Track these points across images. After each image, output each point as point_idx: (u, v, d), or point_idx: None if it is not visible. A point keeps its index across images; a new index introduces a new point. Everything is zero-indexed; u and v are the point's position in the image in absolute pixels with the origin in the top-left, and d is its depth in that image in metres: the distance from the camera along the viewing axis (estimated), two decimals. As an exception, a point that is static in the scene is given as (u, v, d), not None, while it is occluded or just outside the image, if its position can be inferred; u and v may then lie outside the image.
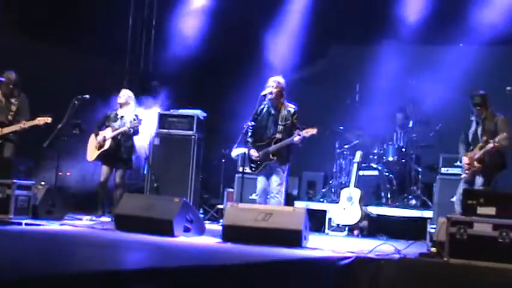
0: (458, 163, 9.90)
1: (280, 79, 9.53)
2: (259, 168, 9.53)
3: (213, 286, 5.61)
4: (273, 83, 9.43)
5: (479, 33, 11.81)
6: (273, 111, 9.51)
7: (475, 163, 9.23)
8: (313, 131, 9.25)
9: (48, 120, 10.26)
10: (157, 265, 5.91)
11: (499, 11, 11.74)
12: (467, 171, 9.36)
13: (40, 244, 7.34)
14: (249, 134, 9.50)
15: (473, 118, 9.53)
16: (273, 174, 9.45)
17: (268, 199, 9.47)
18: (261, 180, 9.59)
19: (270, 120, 9.50)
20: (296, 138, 9.26)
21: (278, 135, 9.41)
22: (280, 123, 9.42)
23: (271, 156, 9.41)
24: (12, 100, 10.48)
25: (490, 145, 9.04)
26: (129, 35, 14.18)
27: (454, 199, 9.73)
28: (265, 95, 9.43)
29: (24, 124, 10.29)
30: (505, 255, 7.34)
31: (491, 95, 10.11)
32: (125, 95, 10.85)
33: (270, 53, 12.69)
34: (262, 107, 9.53)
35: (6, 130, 10.34)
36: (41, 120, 10.25)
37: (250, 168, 9.63)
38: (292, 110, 9.48)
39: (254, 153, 9.49)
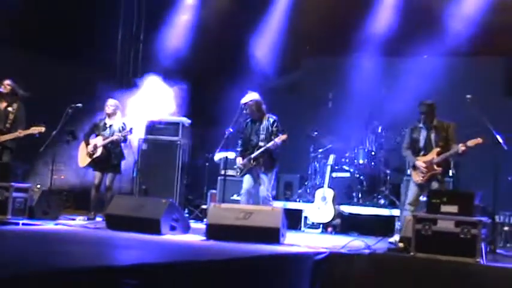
0: (411, 168, 9.44)
1: (255, 95, 9.83)
2: (242, 172, 9.84)
3: (198, 280, 5.63)
4: (250, 102, 9.72)
5: (441, 45, 11.89)
6: (256, 123, 9.83)
7: (435, 166, 9.13)
8: (283, 137, 9.52)
9: (42, 129, 10.23)
10: (145, 261, 5.92)
11: (460, 24, 11.83)
12: (423, 175, 9.15)
13: (36, 242, 7.33)
14: (239, 144, 9.94)
15: (421, 125, 9.33)
16: (260, 184, 9.71)
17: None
18: (246, 180, 9.81)
19: (253, 131, 9.83)
20: (269, 144, 9.56)
21: (261, 143, 9.70)
22: (261, 132, 9.74)
23: (252, 162, 9.67)
24: (10, 109, 10.43)
25: (462, 148, 8.89)
26: (118, 49, 14.17)
27: (420, 198, 9.75)
28: (245, 103, 9.65)
29: (21, 133, 10.26)
30: (466, 250, 7.41)
31: (452, 103, 10.19)
32: (113, 105, 10.81)
33: (250, 64, 12.72)
34: (247, 121, 9.88)
35: (3, 138, 10.30)
36: (35, 130, 10.22)
37: (236, 172, 10.01)
38: (272, 120, 9.77)
39: (239, 160, 9.86)
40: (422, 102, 9.33)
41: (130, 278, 4.78)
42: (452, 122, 9.30)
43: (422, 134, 9.32)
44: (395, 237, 9.04)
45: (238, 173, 9.93)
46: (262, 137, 9.72)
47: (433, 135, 9.26)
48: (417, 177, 9.22)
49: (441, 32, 11.95)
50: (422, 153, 9.29)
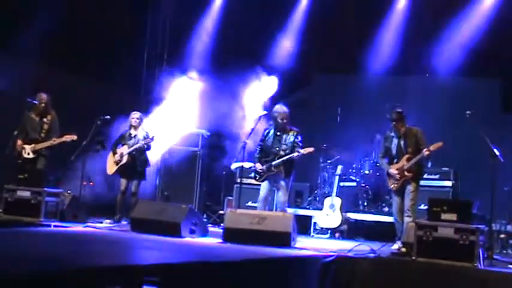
0: (386, 176, 9.28)
1: (285, 108, 9.82)
2: (262, 178, 9.76)
3: (214, 279, 5.61)
4: (283, 114, 9.69)
5: (442, 66, 11.85)
6: (278, 133, 9.77)
7: (405, 173, 8.95)
8: (310, 150, 9.59)
9: (74, 137, 10.27)
10: (166, 261, 5.91)
11: (459, 48, 11.80)
12: (397, 182, 9.00)
13: (66, 242, 7.34)
14: (257, 151, 9.88)
15: (392, 134, 9.16)
16: (279, 189, 9.67)
17: (277, 210, 9.68)
18: (264, 187, 9.76)
19: (276, 140, 9.76)
20: (295, 155, 9.54)
21: (282, 153, 9.66)
22: (284, 143, 9.71)
23: (273, 168, 9.63)
24: (45, 119, 10.49)
25: (426, 152, 8.74)
26: (144, 67, 14.20)
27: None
28: (277, 112, 9.70)
29: (55, 141, 10.30)
30: (465, 255, 7.36)
31: (453, 118, 10.11)
32: (137, 117, 10.82)
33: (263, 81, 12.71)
34: (268, 130, 9.85)
35: (39, 146, 10.34)
36: (68, 138, 10.27)
37: (255, 178, 9.90)
38: (296, 133, 9.77)
39: (259, 166, 9.77)
40: (392, 110, 9.11)
41: (152, 276, 4.76)
42: (418, 127, 9.12)
43: (394, 142, 9.14)
44: (396, 245, 8.95)
45: (257, 179, 9.82)
46: (284, 146, 9.66)
47: (402, 142, 9.07)
48: (392, 185, 9.11)
49: (443, 52, 11.92)
50: (395, 160, 9.14)
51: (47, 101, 10.47)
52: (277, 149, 9.69)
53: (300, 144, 9.67)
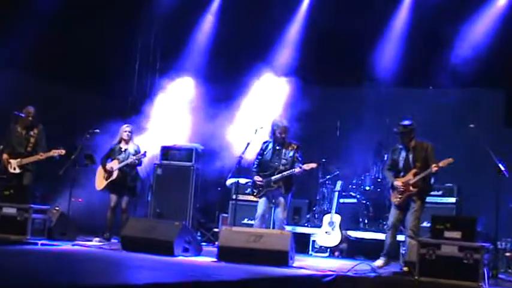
0: (390, 188, 9.36)
1: (285, 122, 9.85)
2: (260, 194, 9.71)
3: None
4: (283, 128, 9.68)
5: (445, 78, 11.90)
6: (278, 147, 9.74)
7: (411, 187, 9.01)
8: (313, 165, 9.56)
9: (62, 152, 10.30)
10: (158, 280, 5.91)
11: (462, 59, 11.86)
12: (400, 196, 9.06)
13: (54, 261, 7.34)
14: (255, 165, 9.81)
15: (400, 146, 9.24)
16: (278, 206, 9.64)
17: (275, 228, 9.66)
18: (261, 204, 9.71)
19: (275, 155, 9.73)
20: (297, 170, 9.51)
21: (282, 167, 9.63)
22: (283, 157, 9.67)
23: (272, 183, 9.60)
24: (31, 133, 10.51)
25: (435, 168, 8.81)
26: (135, 78, 14.24)
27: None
28: (277, 125, 9.68)
29: (42, 156, 10.33)
30: (469, 274, 7.39)
31: (454, 132, 10.13)
32: (127, 130, 10.85)
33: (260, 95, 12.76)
34: (267, 144, 9.81)
35: (25, 161, 10.37)
36: (55, 152, 10.29)
37: (253, 193, 9.84)
38: (296, 146, 9.74)
39: (258, 178, 9.71)
40: (399, 124, 9.23)
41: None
42: (429, 142, 9.18)
43: (402, 155, 9.22)
44: (379, 262, 8.95)
45: (255, 194, 9.77)
46: (284, 161, 9.64)
47: (411, 156, 9.14)
48: (395, 198, 9.15)
49: (446, 64, 11.98)
50: (401, 174, 9.20)
51: (33, 115, 10.50)
52: (277, 163, 9.68)
53: (300, 159, 9.67)
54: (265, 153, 9.81)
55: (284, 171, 9.59)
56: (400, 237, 10.73)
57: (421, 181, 9.00)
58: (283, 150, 9.71)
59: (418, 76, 12.35)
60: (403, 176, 9.15)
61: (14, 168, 10.39)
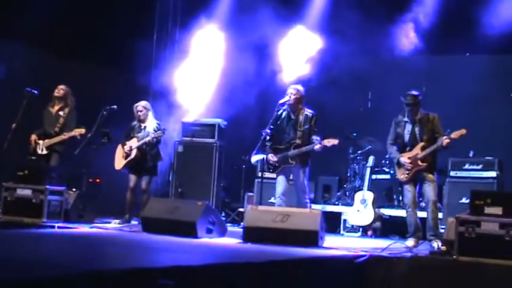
0: (395, 165, 9.29)
1: (300, 87, 9.61)
2: (277, 170, 9.54)
3: (234, 283, 5.63)
4: (293, 90, 9.48)
5: (484, 43, 11.73)
6: (292, 116, 9.51)
7: (419, 162, 8.93)
8: (334, 141, 9.22)
9: (83, 131, 10.35)
10: (181, 263, 5.93)
11: (503, 22, 11.67)
12: (408, 172, 8.97)
13: (71, 245, 7.39)
14: (268, 138, 9.48)
15: (405, 119, 9.10)
16: (296, 181, 9.46)
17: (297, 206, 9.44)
18: (280, 182, 9.51)
19: (290, 125, 9.50)
20: (317, 147, 9.24)
21: (298, 141, 9.41)
22: (299, 128, 9.42)
23: (290, 160, 9.42)
24: (61, 113, 10.60)
25: (446, 141, 8.69)
26: (154, 53, 14.21)
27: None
28: (283, 103, 9.47)
29: (65, 135, 10.41)
30: (511, 253, 7.32)
31: (494, 101, 9.98)
32: (141, 109, 10.78)
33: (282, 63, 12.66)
34: (281, 112, 9.53)
35: (50, 142, 10.46)
36: (77, 132, 10.35)
37: (269, 170, 9.68)
38: (310, 115, 9.47)
39: (272, 158, 9.48)
40: (408, 93, 9.07)
41: (166, 280, 4.79)
42: (435, 113, 9.07)
43: (407, 129, 9.10)
44: (410, 242, 8.90)
45: (271, 171, 9.59)
46: (299, 133, 9.39)
47: (417, 129, 9.04)
48: (401, 175, 9.09)
49: (482, 30, 11.80)
50: (408, 148, 9.10)
51: (64, 94, 10.61)
52: (292, 135, 9.44)
53: (316, 130, 9.42)
54: (278, 122, 9.51)
55: (301, 145, 9.36)
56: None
57: (429, 155, 8.91)
58: (299, 120, 9.44)
59: (454, 43, 12.18)
60: (409, 151, 9.07)
61: (42, 150, 10.50)
